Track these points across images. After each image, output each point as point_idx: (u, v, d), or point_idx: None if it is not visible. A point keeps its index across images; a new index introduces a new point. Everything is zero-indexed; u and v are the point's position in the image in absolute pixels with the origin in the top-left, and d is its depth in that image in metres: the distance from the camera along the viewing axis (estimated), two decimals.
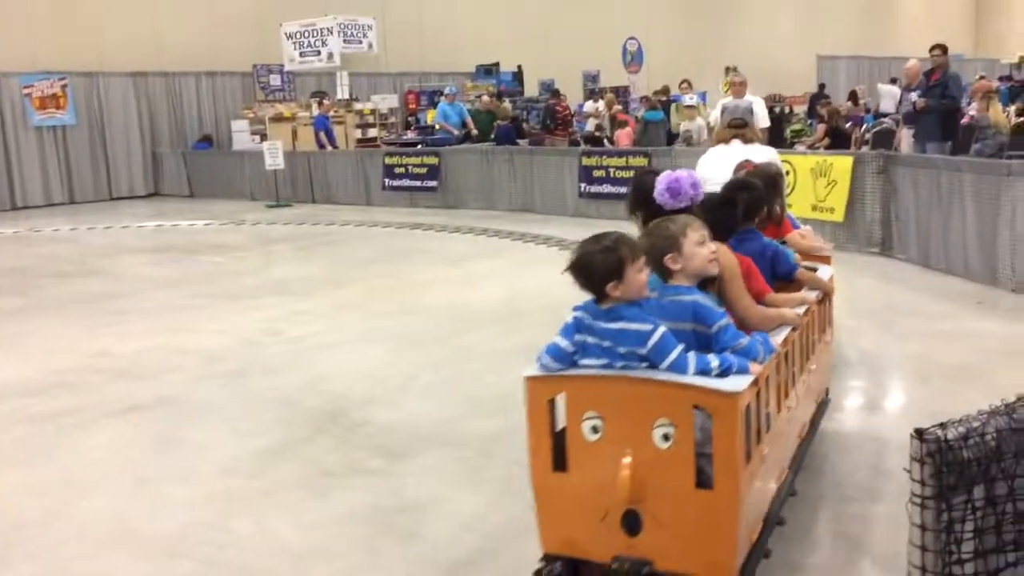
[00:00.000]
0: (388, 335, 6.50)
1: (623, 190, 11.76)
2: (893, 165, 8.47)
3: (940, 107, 9.99)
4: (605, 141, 15.06)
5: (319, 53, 17.53)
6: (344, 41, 17.62)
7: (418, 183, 14.44)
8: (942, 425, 2.05)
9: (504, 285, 8.30)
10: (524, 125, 18.75)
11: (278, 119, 18.40)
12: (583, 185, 12.34)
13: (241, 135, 18.63)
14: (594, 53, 24.15)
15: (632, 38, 20.60)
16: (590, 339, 2.62)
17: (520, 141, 15.32)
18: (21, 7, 16.71)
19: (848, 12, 32.38)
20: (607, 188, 12.02)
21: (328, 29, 17.28)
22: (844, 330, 5.91)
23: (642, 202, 3.26)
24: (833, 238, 8.83)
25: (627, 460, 2.49)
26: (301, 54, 17.78)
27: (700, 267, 2.82)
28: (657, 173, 3.23)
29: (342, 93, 18.39)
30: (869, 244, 8.68)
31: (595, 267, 2.58)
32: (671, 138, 12.91)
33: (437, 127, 16.64)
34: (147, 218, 14.84)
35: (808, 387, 3.44)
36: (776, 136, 12.07)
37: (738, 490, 2.45)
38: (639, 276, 2.60)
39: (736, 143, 5.79)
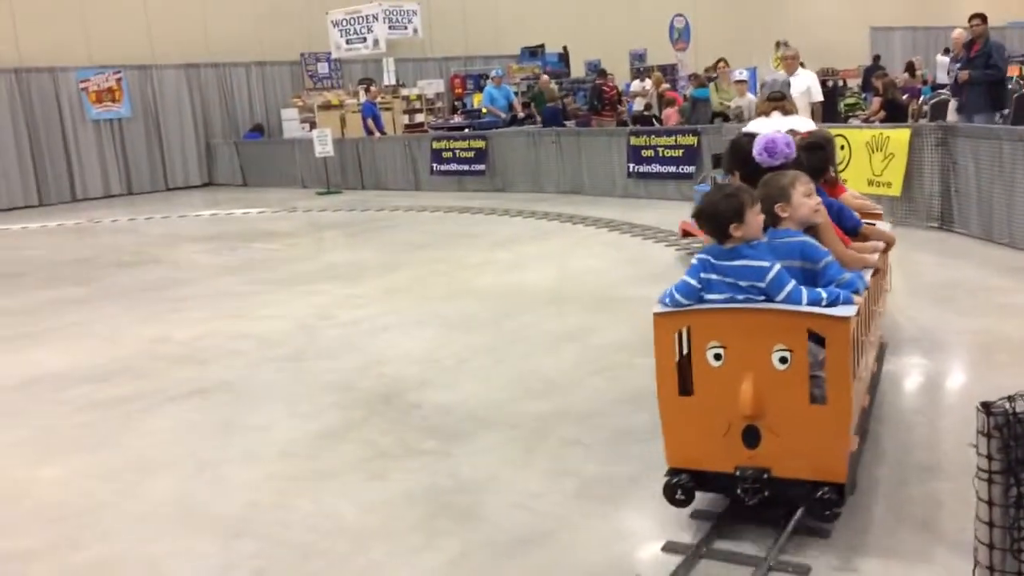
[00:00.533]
0: (440, 318, 6.55)
1: (673, 169, 11.66)
2: (952, 137, 8.25)
3: (984, 78, 9.72)
4: (653, 120, 14.90)
5: (365, 40, 17.63)
6: (389, 27, 17.68)
7: (466, 167, 14.47)
8: (1010, 398, 2.00)
9: (553, 267, 8.30)
10: (570, 106, 18.68)
11: (326, 107, 18.58)
12: (632, 165, 12.25)
13: (291, 123, 18.87)
14: (640, 31, 23.87)
15: (679, 15, 20.29)
16: (714, 276, 3.01)
17: (567, 122, 15.25)
18: (76, 3, 17.09)
19: None
20: (656, 168, 11.91)
21: (373, 16, 17.35)
22: (903, 306, 5.79)
23: (740, 161, 3.64)
24: (890, 213, 8.63)
25: (748, 381, 2.89)
26: (347, 41, 17.90)
27: (806, 215, 3.26)
28: (752, 136, 3.59)
29: (389, 79, 18.48)
30: (928, 219, 8.48)
31: (720, 211, 3.00)
32: (712, 116, 12.73)
33: (484, 111, 16.64)
34: (202, 207, 15.12)
35: (876, 326, 3.79)
36: (830, 110, 11.81)
37: (849, 405, 2.87)
38: (757, 218, 3.03)
39: (776, 114, 5.97)
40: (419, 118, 19.67)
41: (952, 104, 10.80)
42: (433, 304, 7.02)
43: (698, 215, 3.09)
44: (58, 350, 6.45)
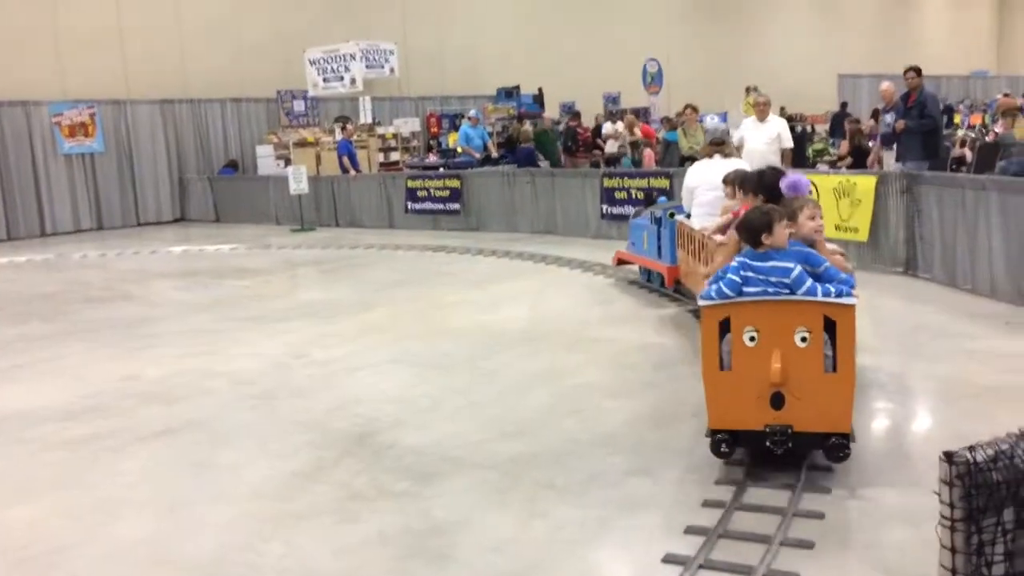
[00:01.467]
0: (414, 358, 6.57)
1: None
2: (917, 184, 8.46)
3: (920, 127, 10.22)
4: (622, 161, 15.14)
5: (342, 78, 17.80)
6: (367, 66, 17.88)
7: (441, 206, 14.56)
8: (971, 448, 2.07)
9: (527, 307, 8.35)
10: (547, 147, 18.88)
11: (302, 144, 18.64)
12: (605, 207, 12.39)
13: (266, 160, 18.89)
14: (614, 74, 24.28)
15: (652, 59, 20.70)
16: (751, 274, 3.95)
17: (542, 163, 15.43)
18: (50, 37, 17.08)
19: (869, 30, 32.40)
20: (628, 209, 12.05)
21: (351, 55, 17.54)
22: (870, 351, 5.90)
23: (767, 188, 4.84)
24: (857, 258, 8.83)
25: (776, 357, 3.79)
26: (324, 79, 18.06)
27: (808, 233, 4.40)
28: (779, 172, 4.94)
29: (365, 117, 18.63)
30: (894, 264, 8.66)
31: (755, 223, 4.03)
32: (682, 160, 12.96)
33: (459, 150, 16.78)
34: (174, 243, 15.06)
35: None
36: (798, 155, 12.05)
37: (853, 373, 3.83)
38: (784, 231, 4.05)
39: (717, 157, 7.54)
40: (394, 156, 19.79)
41: (885, 153, 11.28)
42: (408, 343, 7.03)
43: (739, 227, 4.11)
44: (25, 388, 6.38)
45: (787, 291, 3.89)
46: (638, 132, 17.04)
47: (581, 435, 4.80)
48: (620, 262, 9.29)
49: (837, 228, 9.04)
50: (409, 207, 14.97)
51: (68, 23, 17.20)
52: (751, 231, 4.02)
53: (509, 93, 22.83)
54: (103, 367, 6.81)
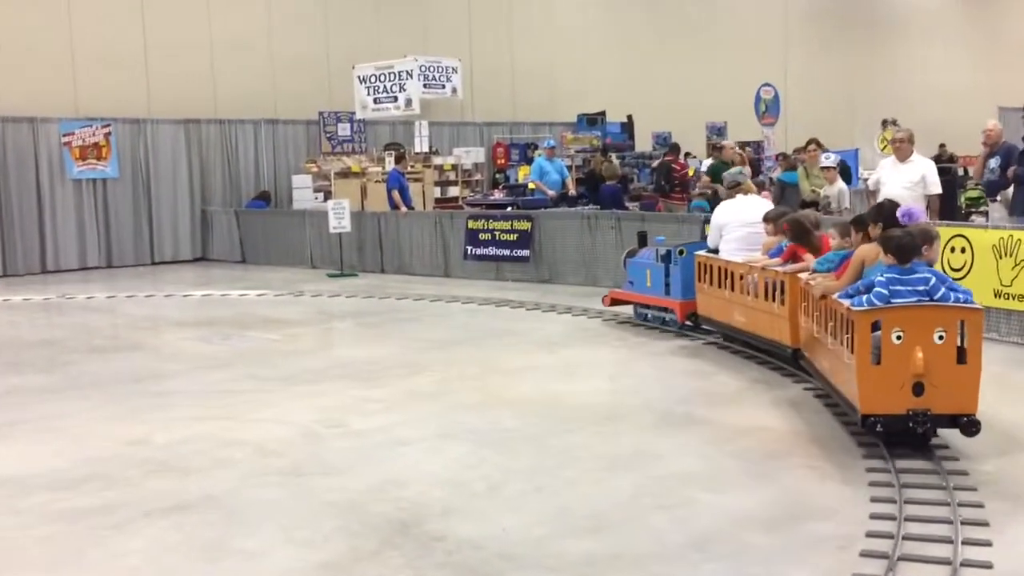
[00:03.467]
0: (470, 432, 6.60)
1: None
2: None
3: None
4: None
5: (396, 99, 18.22)
6: (425, 85, 18.26)
7: (507, 252, 14.69)
8: None
9: (608, 377, 8.34)
10: (632, 185, 19.00)
11: (345, 174, 19.08)
12: None
13: (303, 192, 19.36)
14: (720, 101, 24.36)
15: (767, 84, 20.71)
16: (900, 287, 5.78)
17: (629, 205, 15.51)
18: (64, 48, 17.88)
19: None
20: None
21: (407, 72, 17.95)
22: None
23: (886, 218, 6.62)
24: (1020, 332, 8.60)
25: (918, 352, 5.58)
26: (375, 100, 18.51)
27: (934, 257, 6.35)
28: (896, 204, 6.85)
29: (420, 145, 18.98)
30: None
31: (908, 246, 5.89)
32: (802, 206, 12.86)
33: (531, 186, 16.96)
34: (193, 286, 15.47)
35: None
36: (948, 204, 11.86)
37: (981, 363, 5.67)
38: (930, 253, 6.14)
39: (739, 197, 9.68)
40: (453, 191, 20.11)
41: (993, 204, 11.07)
42: (462, 415, 7.08)
43: (893, 249, 5.89)
44: (18, 450, 6.59)
45: (927, 299, 5.75)
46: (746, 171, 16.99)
47: (670, 535, 4.75)
48: (614, 302, 10.88)
49: (996, 295, 8.84)
50: (469, 252, 15.15)
51: (84, 31, 18.02)
52: (906, 251, 5.88)
53: (592, 121, 23.10)
54: (107, 429, 7.00)
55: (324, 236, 16.75)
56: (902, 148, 10.47)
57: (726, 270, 8.88)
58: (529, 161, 21.53)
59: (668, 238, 10.87)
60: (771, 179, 16.31)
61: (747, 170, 11.95)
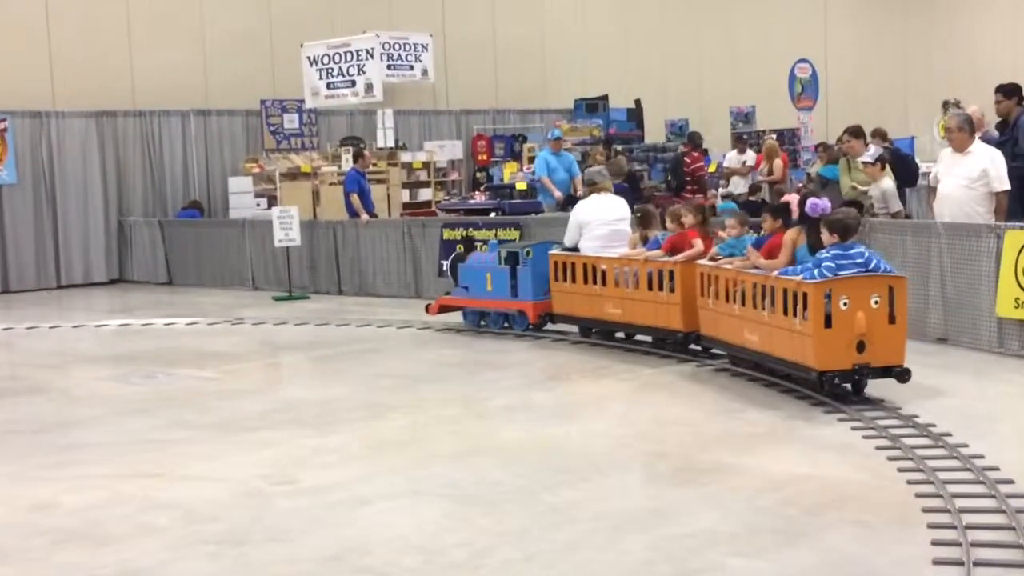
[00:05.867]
0: (447, 487, 6.59)
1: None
2: None
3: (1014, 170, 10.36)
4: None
5: (353, 84, 18.22)
6: (389, 67, 18.27)
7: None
8: None
9: (615, 417, 8.34)
10: (643, 184, 19.04)
11: (294, 176, 19.07)
12: None
13: (241, 198, 19.34)
14: (747, 82, 24.49)
15: (803, 61, 20.86)
16: (844, 261, 8.09)
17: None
18: None
19: None
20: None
21: (367, 51, 17.95)
22: None
23: (786, 215, 9.30)
24: None
25: (861, 315, 7.96)
26: (329, 85, 18.52)
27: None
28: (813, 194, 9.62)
29: (384, 139, 18.98)
30: None
31: (853, 225, 8.37)
32: (843, 206, 12.89)
33: (519, 187, 16.84)
34: (108, 314, 15.42)
35: None
36: (1020, 205, 11.89)
37: (906, 322, 8.29)
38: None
39: (598, 195, 11.69)
40: (425, 194, 20.14)
41: None
42: (437, 466, 7.06)
43: (837, 228, 8.22)
44: None
45: (864, 270, 8.11)
46: (778, 167, 17.07)
47: None
48: (443, 309, 12.60)
49: None
50: (445, 267, 15.14)
51: None
52: (850, 231, 8.25)
53: (593, 107, 23.18)
54: (3, 491, 6.95)
55: (268, 251, 16.74)
56: (957, 137, 10.38)
57: (593, 266, 11.02)
58: (516, 156, 21.60)
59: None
60: (808, 175, 16.39)
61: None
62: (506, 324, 12.06)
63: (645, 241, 10.99)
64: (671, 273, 10.14)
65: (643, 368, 9.99)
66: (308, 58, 18.69)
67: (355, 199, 16.68)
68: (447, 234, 15.21)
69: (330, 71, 18.45)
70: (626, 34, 24.99)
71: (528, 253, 11.75)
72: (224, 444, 7.89)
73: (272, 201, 18.44)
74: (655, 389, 9.21)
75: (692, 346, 10.20)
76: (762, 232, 9.54)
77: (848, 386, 8.24)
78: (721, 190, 17.91)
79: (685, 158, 17.27)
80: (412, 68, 18.68)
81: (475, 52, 22.76)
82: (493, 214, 16.05)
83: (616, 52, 24.70)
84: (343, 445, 7.72)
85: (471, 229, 15.05)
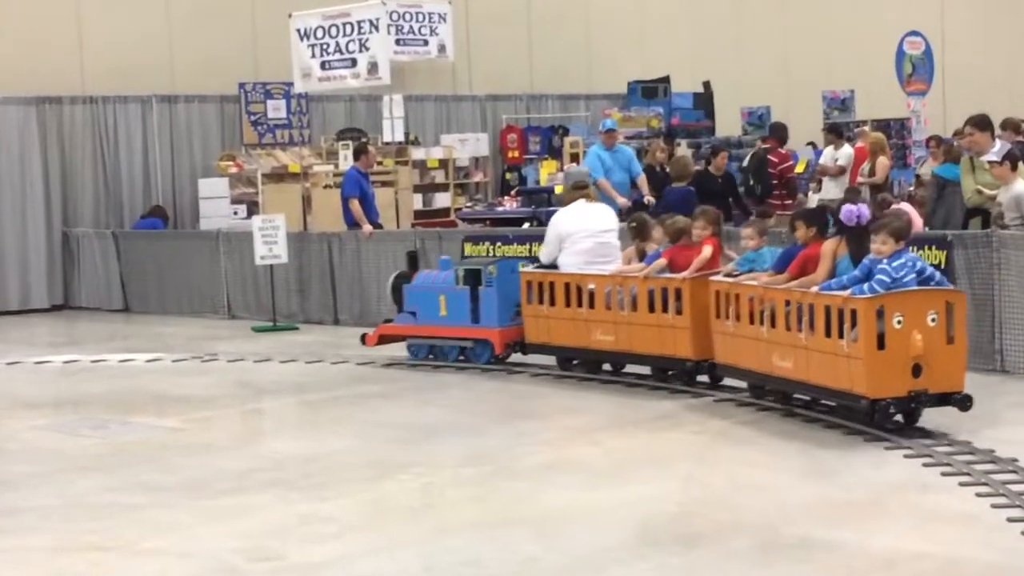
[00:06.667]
0: (469, 566, 6.56)
1: None
2: None
3: None
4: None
5: (354, 63, 18.24)
6: (398, 42, 18.26)
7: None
8: None
9: (679, 478, 8.31)
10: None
11: (280, 176, 19.09)
12: None
13: (215, 204, 19.36)
14: (845, 62, 24.39)
15: (914, 34, 20.77)
16: (905, 272, 8.80)
17: None
18: None
19: None
20: None
21: (371, 22, 17.95)
22: None
23: (823, 222, 9.96)
24: None
25: (918, 335, 8.54)
26: (324, 65, 18.52)
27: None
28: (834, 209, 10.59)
29: (392, 132, 18.96)
30: None
31: (907, 231, 9.09)
32: (967, 215, 12.81)
33: (558, 191, 16.85)
34: (51, 348, 15.48)
35: None
36: None
37: (966, 343, 9.20)
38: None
39: (582, 202, 12.00)
40: (442, 200, 20.12)
41: None
42: (456, 538, 7.05)
43: (893, 230, 8.83)
44: None
45: (922, 282, 8.80)
46: (881, 165, 16.98)
47: None
48: (383, 339, 13.02)
49: None
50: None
51: None
52: (904, 234, 8.90)
53: (651, 92, 23.12)
54: None
55: (248, 270, 16.77)
56: None
57: (578, 285, 11.42)
58: (555, 153, 21.51)
59: None
60: (917, 177, 16.28)
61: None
62: (461, 356, 12.41)
63: (642, 256, 11.36)
64: (678, 292, 10.55)
65: (715, 420, 9.96)
66: (298, 31, 18.71)
67: (355, 205, 16.59)
68: (469, 249, 15.18)
69: (325, 47, 18.45)
70: (690, 5, 24.97)
71: (492, 271, 12.14)
72: (192, 511, 7.87)
73: (253, 208, 18.47)
74: (731, 446, 9.17)
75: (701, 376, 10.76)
76: (796, 241, 9.92)
77: (900, 416, 8.82)
78: (815, 194, 17.80)
79: (769, 156, 17.14)
80: (426, 43, 18.66)
81: (504, 24, 22.75)
82: (527, 225, 16.05)
83: (680, 23, 24.69)
84: (339, 512, 7.70)
85: (499, 244, 15.04)
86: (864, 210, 9.23)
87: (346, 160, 18.04)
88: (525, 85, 23.40)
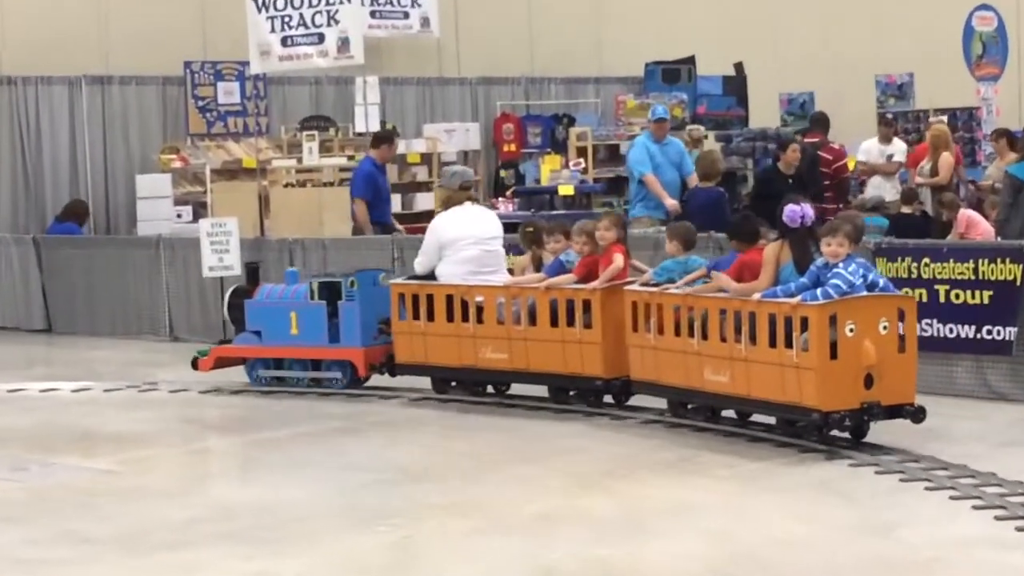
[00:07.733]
0: None
1: (966, 330, 11.81)
2: None
3: None
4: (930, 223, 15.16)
5: (321, 38, 18.27)
6: (373, 14, 18.32)
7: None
8: None
9: (707, 533, 8.30)
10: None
11: (232, 172, 19.13)
12: None
13: (155, 205, 19.40)
14: (902, 42, 24.46)
15: (985, 8, 20.83)
16: (859, 278, 9.80)
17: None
18: None
19: None
20: (936, 326, 12.00)
21: None
22: None
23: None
24: None
25: (869, 343, 9.48)
26: (286, 41, 18.54)
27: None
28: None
29: (366, 121, 19.02)
30: None
31: (862, 234, 10.77)
32: None
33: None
34: None
35: None
36: None
37: (916, 351, 10.06)
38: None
39: (468, 205, 12.79)
40: (425, 201, 20.15)
41: None
42: None
43: (857, 231, 10.08)
44: None
45: (867, 289, 9.59)
46: (945, 163, 17.00)
47: None
48: (220, 362, 13.46)
49: None
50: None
51: None
52: (860, 233, 10.01)
53: (673, 75, 23.20)
54: None
55: (194, 284, 16.80)
56: None
57: (463, 298, 11.99)
58: (559, 146, 21.58)
59: None
60: (972, 183, 16.31)
61: None
62: (318, 382, 13.05)
63: (539, 265, 11.98)
64: (587, 303, 11.15)
65: (748, 464, 9.97)
66: (255, 1, 18.75)
67: (361, 209, 16.54)
68: None
69: (287, 20, 18.41)
70: None
71: (352, 284, 12.68)
72: (127, 568, 7.86)
73: (200, 210, 18.50)
74: (764, 493, 9.18)
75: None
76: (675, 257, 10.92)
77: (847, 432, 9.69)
78: (870, 194, 17.74)
79: (821, 152, 17.14)
80: (407, 16, 18.76)
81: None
82: None
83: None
84: (302, 572, 7.69)
85: None
86: (808, 210, 9.92)
87: (311, 153, 18.05)
88: (524, 66, 23.47)
